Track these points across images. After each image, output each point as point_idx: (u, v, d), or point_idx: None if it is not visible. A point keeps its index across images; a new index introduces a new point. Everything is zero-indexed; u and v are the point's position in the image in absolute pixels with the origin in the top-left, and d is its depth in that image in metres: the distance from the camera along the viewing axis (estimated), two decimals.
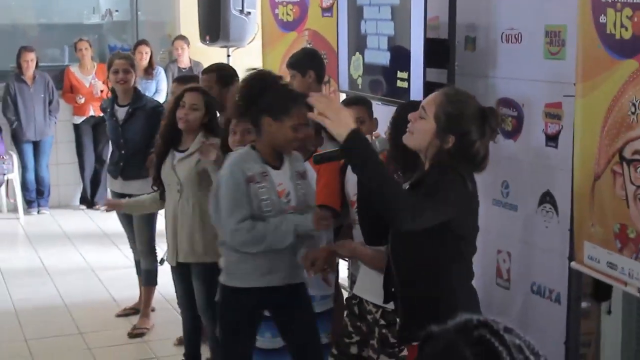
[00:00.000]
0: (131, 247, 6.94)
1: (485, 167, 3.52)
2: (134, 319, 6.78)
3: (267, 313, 4.63)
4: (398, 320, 3.75)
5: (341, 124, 3.21)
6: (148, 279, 6.68)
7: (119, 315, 6.94)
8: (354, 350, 4.31)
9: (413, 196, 3.35)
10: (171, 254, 5.48)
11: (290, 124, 4.23)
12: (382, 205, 3.32)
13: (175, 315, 6.51)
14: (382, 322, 4.16)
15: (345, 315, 4.43)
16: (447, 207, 3.35)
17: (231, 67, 6.47)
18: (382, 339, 4.14)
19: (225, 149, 4.99)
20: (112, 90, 6.87)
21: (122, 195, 6.52)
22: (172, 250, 5.47)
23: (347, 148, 3.22)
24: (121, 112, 6.66)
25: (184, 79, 6.53)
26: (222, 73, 6.03)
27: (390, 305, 4.01)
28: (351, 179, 4.44)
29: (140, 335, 6.60)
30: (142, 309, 6.75)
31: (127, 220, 6.69)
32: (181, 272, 5.52)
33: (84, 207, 10.64)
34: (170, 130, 5.41)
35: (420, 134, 3.43)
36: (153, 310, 6.80)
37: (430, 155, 3.45)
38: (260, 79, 4.46)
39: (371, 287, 4.16)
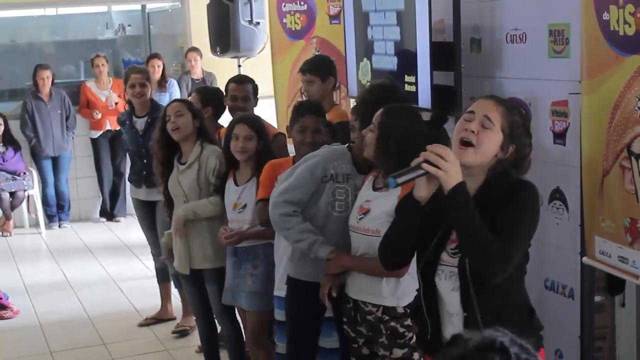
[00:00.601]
0: (152, 253, 6.95)
1: (526, 171, 3.41)
2: (157, 328, 6.81)
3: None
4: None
5: (452, 176, 3.07)
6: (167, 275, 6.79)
7: (141, 325, 6.96)
8: (365, 351, 4.27)
9: (499, 240, 3.11)
10: (183, 263, 5.47)
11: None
12: (475, 259, 3.17)
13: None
14: (386, 317, 4.07)
15: (344, 324, 4.32)
16: (531, 234, 3.30)
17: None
18: (390, 333, 4.08)
19: (229, 156, 5.05)
20: (129, 103, 6.91)
21: (147, 203, 6.59)
22: (184, 259, 5.46)
23: (451, 199, 3.09)
24: (140, 123, 6.72)
25: (205, 91, 6.51)
26: (254, 85, 6.03)
27: (389, 302, 4.04)
28: None
29: (184, 332, 6.68)
30: (183, 307, 6.79)
31: (148, 225, 6.72)
32: (194, 280, 5.54)
33: (104, 219, 10.66)
34: (164, 144, 5.45)
35: (488, 146, 3.20)
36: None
37: (489, 167, 3.25)
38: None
39: (368, 287, 4.12)
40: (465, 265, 3.21)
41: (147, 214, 6.77)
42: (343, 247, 4.27)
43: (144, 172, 6.63)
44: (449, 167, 3.06)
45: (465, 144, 3.19)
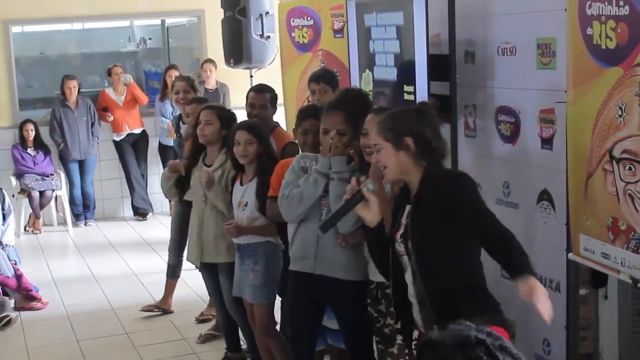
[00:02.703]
0: (170, 251, 6.93)
1: (448, 155, 3.64)
2: (174, 318, 6.86)
3: None
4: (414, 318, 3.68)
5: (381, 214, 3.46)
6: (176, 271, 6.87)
7: (143, 310, 6.97)
8: (387, 330, 4.28)
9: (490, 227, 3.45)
10: (195, 256, 5.54)
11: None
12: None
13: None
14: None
15: (367, 304, 4.34)
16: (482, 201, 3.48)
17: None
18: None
19: (235, 161, 5.07)
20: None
21: (190, 203, 6.56)
22: (196, 252, 5.52)
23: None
24: (184, 128, 6.67)
25: (198, 100, 6.45)
26: (273, 94, 5.99)
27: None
28: None
29: (207, 321, 6.68)
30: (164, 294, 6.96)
31: (180, 226, 6.66)
32: (209, 271, 5.61)
33: (140, 218, 10.62)
34: (195, 146, 5.51)
35: (388, 160, 3.41)
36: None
37: (413, 169, 3.42)
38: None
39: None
40: (409, 251, 3.41)
41: (186, 215, 6.71)
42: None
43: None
44: (372, 199, 3.44)
45: (382, 168, 3.47)
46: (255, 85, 6.23)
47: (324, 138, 4.38)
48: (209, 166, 5.46)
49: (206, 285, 5.81)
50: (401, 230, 3.47)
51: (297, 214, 4.44)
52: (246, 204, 5.10)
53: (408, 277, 3.52)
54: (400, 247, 3.48)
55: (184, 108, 6.67)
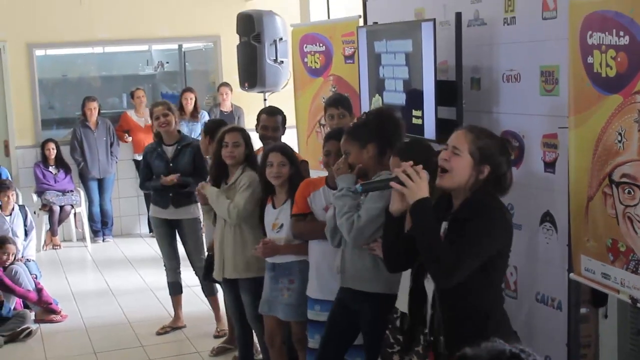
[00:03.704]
0: (166, 267, 6.95)
1: (508, 191, 3.45)
2: (188, 331, 6.87)
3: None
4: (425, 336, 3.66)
5: (415, 194, 3.24)
6: (212, 289, 6.77)
7: (159, 334, 6.94)
8: (396, 358, 4.27)
9: (454, 247, 3.21)
10: (218, 271, 5.56)
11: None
12: (425, 263, 3.33)
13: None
14: (426, 330, 4.09)
15: (388, 329, 4.32)
16: (488, 249, 3.28)
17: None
18: (427, 344, 4.06)
19: (266, 183, 5.09)
20: (157, 135, 6.90)
21: (171, 222, 6.64)
22: (219, 267, 5.54)
23: (412, 212, 3.25)
24: (169, 151, 6.73)
25: (214, 123, 6.41)
26: (283, 116, 6.08)
27: None
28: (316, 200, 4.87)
29: (223, 336, 6.67)
30: (216, 314, 6.87)
31: (168, 242, 6.77)
32: (230, 286, 5.61)
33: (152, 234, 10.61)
34: (218, 169, 5.50)
35: (460, 169, 3.31)
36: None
37: (469, 187, 3.35)
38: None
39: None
40: None
41: (169, 231, 6.82)
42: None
43: (171, 194, 6.66)
44: (414, 186, 3.24)
45: (442, 170, 3.36)
46: (267, 108, 6.28)
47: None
48: (227, 184, 5.48)
49: (224, 299, 5.80)
50: None
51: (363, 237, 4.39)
52: (281, 226, 5.09)
53: (429, 288, 3.49)
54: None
55: (167, 132, 6.69)
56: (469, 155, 3.31)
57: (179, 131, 6.89)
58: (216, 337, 6.68)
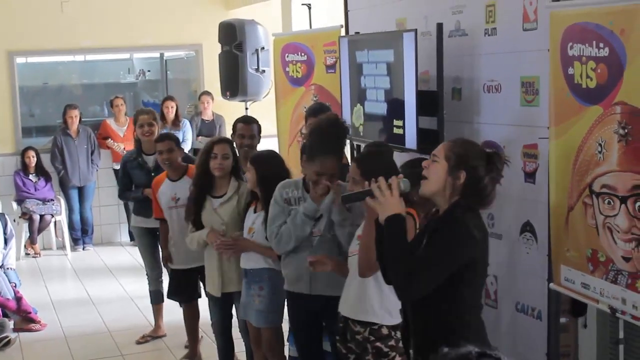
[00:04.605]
0: (148, 276, 6.92)
1: (490, 204, 3.41)
2: (168, 340, 6.84)
3: None
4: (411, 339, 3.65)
5: (386, 209, 3.26)
6: (160, 297, 6.92)
7: (139, 343, 6.89)
8: None
9: (414, 261, 3.22)
10: (216, 287, 5.44)
11: (314, 170, 4.48)
12: (390, 277, 3.38)
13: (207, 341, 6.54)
14: (372, 337, 4.06)
15: (336, 340, 4.29)
16: (448, 264, 3.24)
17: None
18: (376, 352, 4.07)
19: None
20: (137, 142, 6.85)
21: (153, 230, 6.57)
22: (217, 282, 5.43)
23: (384, 227, 3.27)
24: (150, 160, 6.66)
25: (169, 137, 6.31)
26: (258, 125, 6.08)
27: (375, 319, 4.04)
28: None
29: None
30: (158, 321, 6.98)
31: (151, 251, 6.74)
32: (223, 302, 5.52)
33: (135, 243, 10.48)
34: (204, 179, 5.42)
35: (435, 175, 3.32)
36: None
37: (447, 196, 3.32)
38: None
39: (356, 307, 4.12)
40: None
41: (152, 241, 6.78)
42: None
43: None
44: (385, 202, 3.26)
45: (422, 178, 3.39)
46: (242, 117, 6.25)
47: (317, 181, 4.46)
48: (219, 197, 5.41)
49: (214, 312, 5.66)
50: None
51: (288, 249, 4.65)
52: (256, 231, 5.10)
53: None
54: None
55: (149, 141, 6.60)
56: (445, 159, 3.31)
57: None
58: (186, 346, 6.59)
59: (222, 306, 5.58)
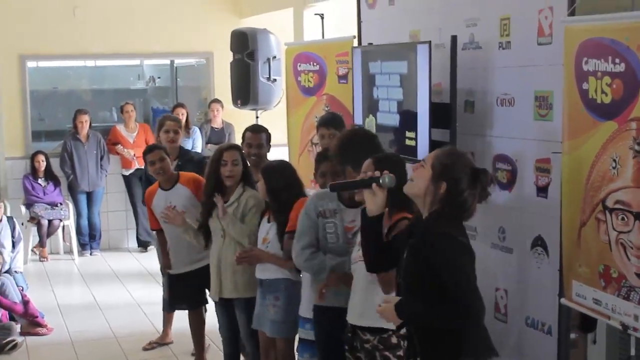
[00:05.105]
0: (164, 284, 6.87)
1: (469, 218, 3.41)
2: (174, 346, 6.82)
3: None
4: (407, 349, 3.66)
5: (389, 319, 3.36)
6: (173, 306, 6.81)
7: (145, 349, 6.88)
8: None
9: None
10: (215, 291, 5.49)
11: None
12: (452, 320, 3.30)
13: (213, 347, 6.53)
14: (381, 346, 4.04)
15: (346, 350, 4.27)
16: (468, 266, 3.29)
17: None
18: None
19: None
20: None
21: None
22: (216, 287, 5.47)
23: (405, 321, 3.35)
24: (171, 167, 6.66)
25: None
26: (267, 133, 6.03)
27: (388, 325, 3.99)
28: None
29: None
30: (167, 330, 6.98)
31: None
32: (225, 306, 5.55)
33: (143, 250, 10.53)
34: (214, 187, 5.41)
35: (419, 179, 3.38)
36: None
37: (427, 203, 3.36)
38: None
39: (365, 312, 4.08)
40: (400, 286, 3.46)
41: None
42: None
43: None
44: (378, 196, 3.45)
45: (409, 179, 3.49)
46: (251, 126, 6.23)
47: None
48: (225, 202, 5.41)
49: (218, 316, 5.73)
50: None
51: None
52: (270, 242, 5.09)
53: None
54: (399, 280, 3.48)
55: (171, 148, 6.59)
56: (430, 167, 3.36)
57: (180, 146, 6.87)
58: (193, 354, 6.57)
59: (224, 311, 5.59)
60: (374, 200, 3.48)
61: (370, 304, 4.03)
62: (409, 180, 3.47)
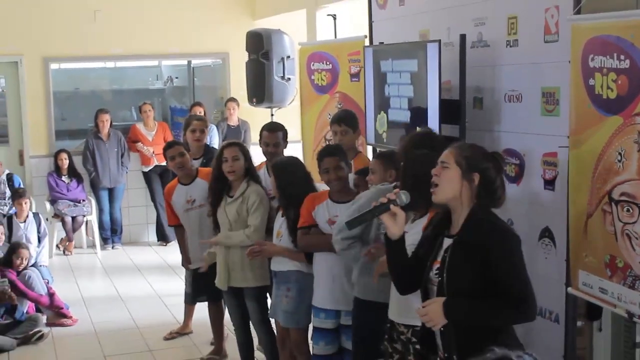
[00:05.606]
0: (186, 277, 6.89)
1: (502, 204, 3.32)
2: (194, 337, 6.86)
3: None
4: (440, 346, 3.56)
5: (435, 321, 3.20)
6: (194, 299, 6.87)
7: (166, 339, 6.90)
8: None
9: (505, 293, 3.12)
10: (223, 281, 5.52)
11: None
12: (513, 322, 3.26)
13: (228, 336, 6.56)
14: (414, 339, 4.00)
15: (384, 339, 4.25)
16: (522, 259, 3.24)
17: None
18: (417, 355, 4.03)
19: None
20: (185, 145, 6.85)
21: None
22: (223, 277, 5.50)
23: (453, 321, 3.18)
24: (196, 164, 6.64)
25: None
26: (284, 131, 6.00)
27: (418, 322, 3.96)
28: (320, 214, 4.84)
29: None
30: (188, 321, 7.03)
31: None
32: (234, 295, 5.58)
33: (163, 243, 10.55)
34: (219, 183, 5.47)
35: (447, 181, 3.24)
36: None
37: (466, 200, 3.24)
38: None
39: (400, 310, 4.07)
40: (443, 286, 3.22)
41: None
42: None
43: None
44: (399, 212, 3.26)
45: (433, 186, 3.28)
46: (267, 124, 6.22)
47: None
48: (232, 197, 5.45)
49: (228, 306, 5.78)
50: (438, 262, 3.29)
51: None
52: (283, 235, 5.12)
53: None
54: (434, 277, 3.30)
55: (197, 146, 6.62)
56: (456, 165, 3.24)
57: (205, 144, 6.92)
58: (212, 344, 6.58)
59: (233, 300, 5.62)
60: (395, 222, 3.31)
61: (405, 301, 3.94)
62: (433, 187, 3.29)
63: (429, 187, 3.31)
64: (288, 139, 6.14)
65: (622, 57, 3.75)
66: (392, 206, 3.27)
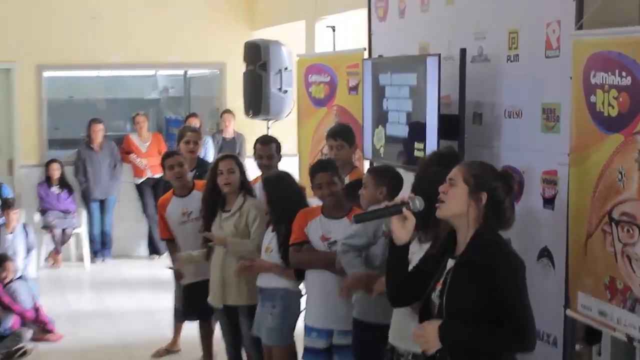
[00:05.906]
0: (176, 293, 6.83)
1: (511, 225, 3.28)
2: (183, 355, 6.82)
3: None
4: None
5: (429, 344, 3.14)
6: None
7: (154, 357, 6.89)
8: None
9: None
10: (218, 298, 5.50)
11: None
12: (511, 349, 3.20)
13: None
14: None
15: None
16: (525, 285, 3.20)
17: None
18: None
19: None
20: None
21: None
22: (219, 295, 5.48)
23: (448, 345, 3.12)
24: (189, 176, 6.65)
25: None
26: (277, 144, 6.06)
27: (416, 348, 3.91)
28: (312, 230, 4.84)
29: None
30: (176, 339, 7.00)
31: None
32: (228, 313, 5.57)
33: (155, 256, 10.51)
34: (213, 196, 5.47)
35: (455, 199, 3.19)
36: None
37: (472, 219, 3.19)
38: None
39: (402, 334, 4.00)
40: (442, 306, 3.18)
41: None
42: None
43: None
44: (411, 217, 3.23)
45: (439, 202, 3.24)
46: (261, 137, 6.26)
47: None
48: (228, 211, 5.44)
49: (221, 324, 5.75)
50: (440, 283, 3.23)
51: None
52: (272, 250, 5.12)
53: None
54: (435, 299, 3.24)
55: (190, 158, 6.60)
56: (464, 183, 3.20)
57: (198, 156, 6.91)
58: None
59: (227, 317, 5.62)
60: (404, 227, 3.27)
61: (404, 326, 3.93)
62: (439, 204, 3.24)
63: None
64: (284, 153, 6.15)
65: (623, 73, 3.76)
66: (404, 209, 3.24)
